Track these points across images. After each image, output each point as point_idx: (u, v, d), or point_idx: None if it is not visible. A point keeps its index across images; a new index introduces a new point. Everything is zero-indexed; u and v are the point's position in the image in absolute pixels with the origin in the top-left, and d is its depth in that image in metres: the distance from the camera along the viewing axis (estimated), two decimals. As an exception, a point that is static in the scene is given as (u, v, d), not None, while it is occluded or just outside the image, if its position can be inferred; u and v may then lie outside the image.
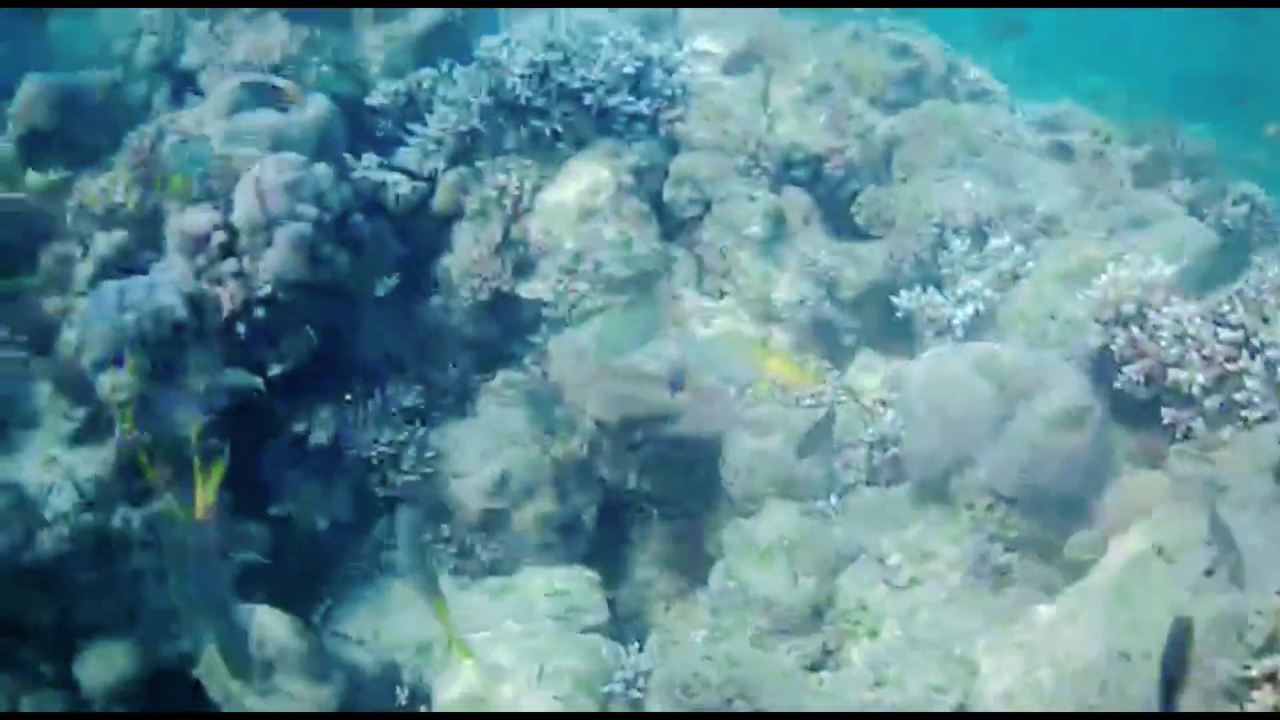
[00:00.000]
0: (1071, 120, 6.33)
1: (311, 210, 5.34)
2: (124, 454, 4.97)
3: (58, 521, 4.81)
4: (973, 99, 6.40)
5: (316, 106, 6.01)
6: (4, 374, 5.23)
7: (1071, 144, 5.93)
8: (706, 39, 6.76)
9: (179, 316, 5.27)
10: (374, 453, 5.50)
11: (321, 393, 5.55)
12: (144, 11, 7.58)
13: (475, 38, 6.69)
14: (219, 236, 5.49)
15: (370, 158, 5.99)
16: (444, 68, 6.36)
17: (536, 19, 6.62)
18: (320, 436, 5.50)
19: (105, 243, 5.79)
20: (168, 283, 5.37)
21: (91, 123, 6.37)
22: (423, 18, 6.57)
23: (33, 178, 6.43)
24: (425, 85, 6.39)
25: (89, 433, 5.08)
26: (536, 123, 5.98)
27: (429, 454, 5.54)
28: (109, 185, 6.07)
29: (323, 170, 5.44)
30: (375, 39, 6.73)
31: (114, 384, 5.01)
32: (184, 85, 7.10)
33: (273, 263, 5.33)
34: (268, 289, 5.33)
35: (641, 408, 5.13)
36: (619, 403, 5.16)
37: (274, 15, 7.12)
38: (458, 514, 5.49)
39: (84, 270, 5.78)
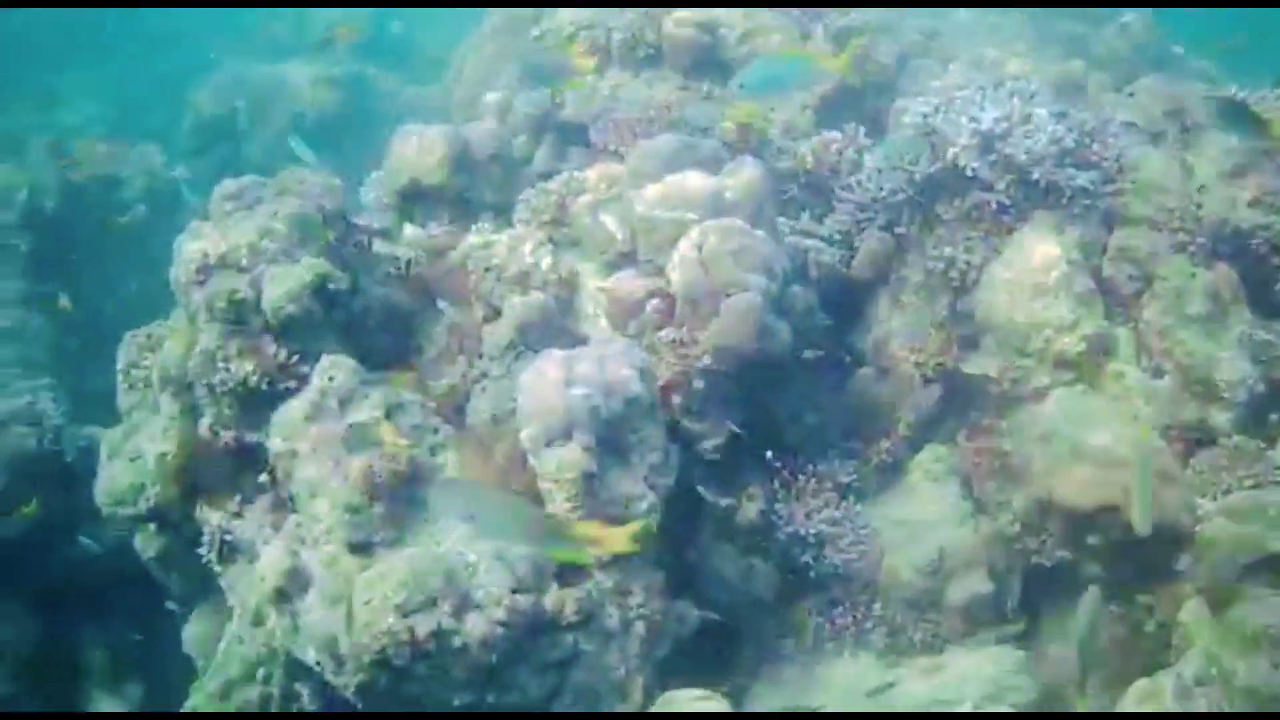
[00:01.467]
0: None
1: (760, 280, 4.94)
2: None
3: (488, 605, 4.35)
4: None
5: (750, 169, 5.51)
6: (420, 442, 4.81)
7: None
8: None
9: (634, 391, 4.82)
10: (809, 530, 5.06)
11: (750, 467, 5.14)
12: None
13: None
14: (654, 304, 5.13)
15: (786, 223, 5.46)
16: (853, 130, 5.82)
17: (950, 76, 6.11)
18: (749, 512, 5.10)
19: (523, 306, 5.41)
20: (618, 354, 4.94)
21: (480, 176, 6.14)
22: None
23: (412, 233, 6.09)
24: (835, 149, 5.93)
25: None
26: (982, 194, 5.44)
27: (864, 530, 5.14)
28: (514, 244, 5.71)
29: (764, 238, 4.97)
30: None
31: (560, 462, 4.54)
32: (568, 139, 6.73)
33: (716, 334, 4.90)
34: (707, 360, 4.90)
35: (1117, 495, 4.63)
36: (1095, 488, 4.70)
37: (665, 69, 6.74)
38: (890, 592, 5.12)
39: (499, 335, 5.39)
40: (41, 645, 7.54)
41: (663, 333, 5.06)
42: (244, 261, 5.29)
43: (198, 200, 9.88)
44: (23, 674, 7.43)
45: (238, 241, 5.30)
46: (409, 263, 5.76)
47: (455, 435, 5.15)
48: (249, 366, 5.13)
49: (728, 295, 4.89)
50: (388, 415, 5.00)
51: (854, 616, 5.09)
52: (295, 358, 5.18)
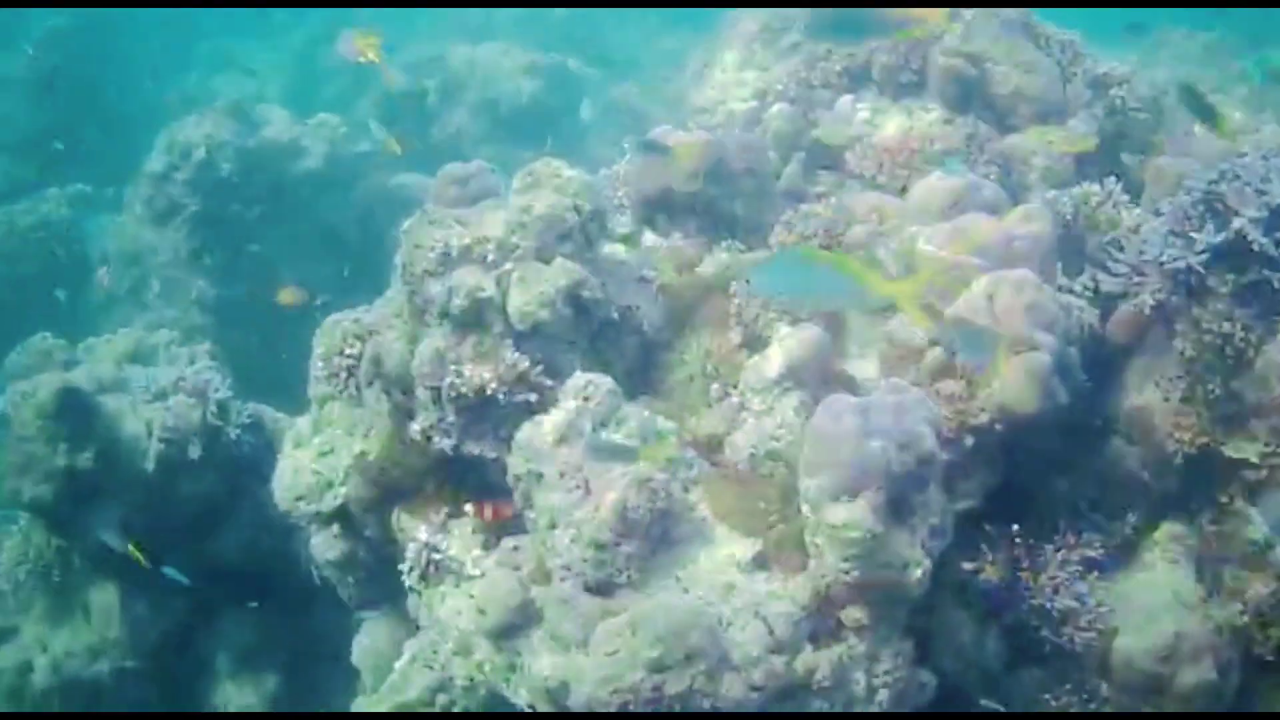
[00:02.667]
0: None
1: (1049, 339, 4.38)
2: (823, 591, 4.06)
3: (745, 666, 3.83)
4: None
5: (1040, 220, 4.83)
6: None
7: None
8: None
9: (927, 449, 4.06)
10: (1055, 604, 4.55)
11: (998, 531, 4.60)
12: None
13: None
14: (936, 353, 4.58)
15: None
16: (1112, 185, 5.46)
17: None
18: (991, 577, 4.49)
19: (799, 342, 4.63)
20: (915, 407, 4.17)
21: (733, 188, 5.52)
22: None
23: (654, 241, 5.35)
24: (1094, 203, 5.40)
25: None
26: (1267, 271, 4.63)
27: (1102, 609, 4.62)
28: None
29: (1052, 294, 4.51)
30: (1030, 144, 5.86)
31: (848, 520, 3.77)
32: (816, 161, 5.97)
33: (1001, 392, 4.33)
34: (984, 418, 4.34)
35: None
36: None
37: (925, 99, 5.95)
38: (1119, 674, 4.57)
39: (767, 368, 4.64)
40: (177, 628, 6.82)
41: (943, 384, 4.47)
42: (490, 257, 4.56)
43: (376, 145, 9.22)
44: (151, 654, 6.73)
45: (485, 234, 4.59)
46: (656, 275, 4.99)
47: (709, 472, 4.37)
48: (486, 373, 4.37)
49: (1016, 353, 4.46)
50: (643, 443, 4.20)
51: (1080, 696, 4.62)
52: (539, 369, 4.41)
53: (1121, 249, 5.26)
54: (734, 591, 4.04)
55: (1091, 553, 4.78)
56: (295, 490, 5.02)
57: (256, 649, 6.95)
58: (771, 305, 4.83)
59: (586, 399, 4.31)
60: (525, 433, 4.31)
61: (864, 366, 4.93)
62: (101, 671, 6.47)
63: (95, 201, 10.15)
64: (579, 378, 4.38)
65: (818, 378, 4.68)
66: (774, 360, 4.65)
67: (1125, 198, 5.59)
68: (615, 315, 4.84)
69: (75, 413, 6.11)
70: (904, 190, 5.71)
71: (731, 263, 5.34)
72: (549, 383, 4.52)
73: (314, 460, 5.00)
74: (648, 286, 5.18)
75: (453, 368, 4.52)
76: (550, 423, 4.28)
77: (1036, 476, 4.95)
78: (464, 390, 4.49)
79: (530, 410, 4.50)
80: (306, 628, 7.13)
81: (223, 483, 6.65)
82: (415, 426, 4.80)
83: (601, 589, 4.13)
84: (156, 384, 6.58)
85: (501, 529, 4.36)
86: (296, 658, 7.12)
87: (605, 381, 4.35)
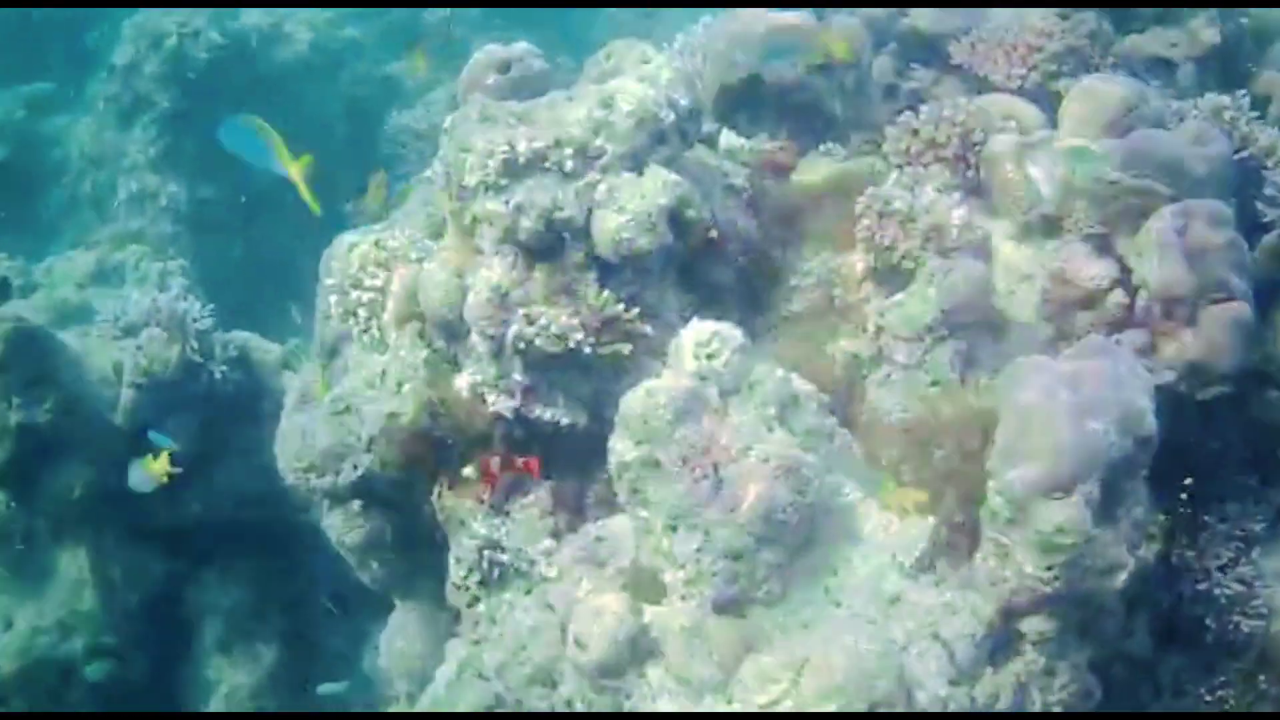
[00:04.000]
0: None
1: (1242, 284, 3.58)
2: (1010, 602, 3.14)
3: (932, 705, 3.03)
4: None
5: (1217, 140, 3.90)
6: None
7: None
8: None
9: (1149, 429, 2.98)
10: (1222, 590, 3.77)
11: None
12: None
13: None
14: (1117, 297, 3.55)
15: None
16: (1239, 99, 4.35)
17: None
18: (1147, 555, 3.48)
19: (963, 280, 3.49)
20: (1133, 373, 3.04)
21: (835, 83, 4.48)
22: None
23: (735, 142, 4.34)
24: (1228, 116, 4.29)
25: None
26: None
27: (1267, 590, 3.86)
28: (909, 183, 3.76)
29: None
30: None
31: (1064, 524, 2.65)
32: (910, 54, 4.73)
33: (1194, 347, 3.51)
34: (1169, 376, 3.54)
35: None
36: None
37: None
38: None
39: (915, 310, 3.51)
40: (158, 594, 5.64)
41: (1126, 335, 3.59)
42: (570, 165, 3.29)
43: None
44: (132, 623, 5.55)
45: (560, 136, 3.31)
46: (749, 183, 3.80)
47: (854, 448, 3.21)
48: (566, 317, 3.16)
49: (1212, 301, 3.54)
50: (780, 416, 3.01)
51: (1241, 689, 3.90)
52: (635, 311, 3.20)
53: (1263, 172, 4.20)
54: (900, 605, 3.18)
55: (1255, 526, 3.97)
56: (304, 458, 3.99)
57: (248, 614, 5.77)
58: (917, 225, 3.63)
59: (710, 357, 3.09)
60: (634, 405, 3.11)
61: (1015, 306, 3.75)
62: (74, 649, 5.27)
63: (55, 101, 8.57)
64: (699, 327, 3.18)
65: (978, 323, 3.51)
66: (925, 302, 3.46)
67: (1255, 113, 4.56)
68: (714, 235, 3.61)
69: (30, 357, 4.83)
70: (1020, 88, 4.48)
71: (845, 170, 4.12)
72: (648, 330, 3.30)
73: (328, 421, 3.92)
74: (738, 197, 3.95)
75: (520, 310, 3.28)
76: (666, 391, 3.07)
77: (1188, 434, 3.94)
78: (536, 339, 3.27)
79: (622, 366, 3.28)
80: (303, 578, 5.98)
81: (206, 430, 5.40)
82: (463, 381, 3.58)
83: (732, 606, 2.97)
84: (125, 315, 5.28)
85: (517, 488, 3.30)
86: (294, 620, 5.96)
87: (733, 335, 3.17)
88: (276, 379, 5.64)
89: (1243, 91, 4.72)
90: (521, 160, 3.40)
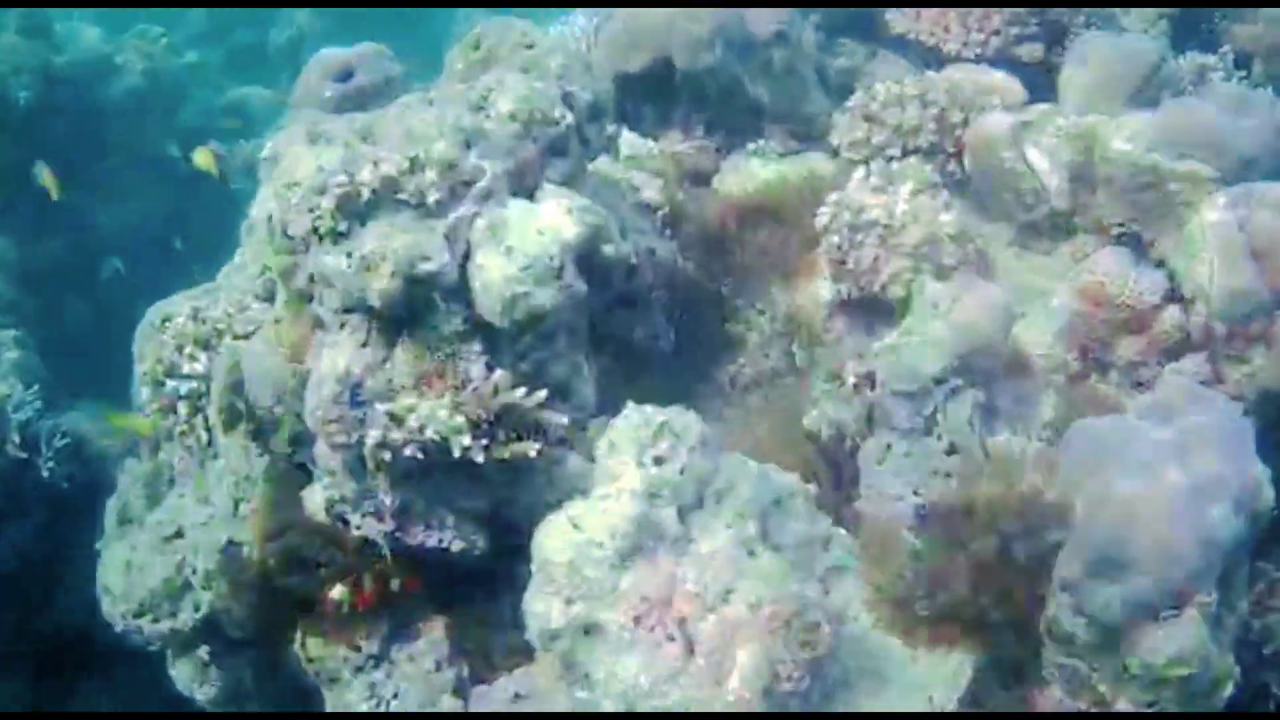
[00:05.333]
0: None
1: None
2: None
3: None
4: None
5: (1260, 106, 2.98)
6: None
7: None
8: None
9: (1268, 500, 2.16)
10: None
11: None
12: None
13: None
14: (1172, 317, 2.73)
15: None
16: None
17: None
18: None
19: (981, 310, 2.51)
20: (1244, 431, 2.23)
21: (757, 63, 3.50)
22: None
23: (639, 144, 3.27)
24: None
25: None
26: None
27: None
28: (880, 185, 2.74)
29: None
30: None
31: (1180, 653, 1.76)
32: (842, 26, 3.78)
33: (1269, 370, 2.62)
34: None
35: None
36: None
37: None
38: None
39: (917, 359, 2.52)
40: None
41: (1184, 363, 2.68)
42: (433, 195, 2.17)
43: None
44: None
45: (418, 154, 2.20)
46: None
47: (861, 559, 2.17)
48: (449, 412, 2.07)
49: None
50: (763, 531, 1.95)
51: None
52: (541, 393, 2.11)
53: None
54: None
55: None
56: (132, 599, 3.07)
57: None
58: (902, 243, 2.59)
59: (659, 461, 2.00)
60: (557, 546, 2.02)
61: (1027, 334, 2.74)
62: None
63: None
64: (640, 420, 2.07)
65: (998, 365, 2.48)
66: (932, 347, 2.41)
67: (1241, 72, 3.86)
68: (641, 279, 2.54)
69: None
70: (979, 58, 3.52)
71: (784, 174, 3.09)
72: (561, 419, 2.20)
73: (152, 550, 3.06)
74: (651, 217, 2.89)
75: (380, 407, 2.16)
76: (601, 522, 1.97)
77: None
78: (405, 448, 2.15)
79: (528, 468, 2.19)
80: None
81: (43, 535, 4.21)
82: (316, 498, 2.45)
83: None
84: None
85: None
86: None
87: (688, 425, 2.08)
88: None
89: (1225, 48, 3.85)
90: (365, 193, 2.27)
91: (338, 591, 2.59)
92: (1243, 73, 3.91)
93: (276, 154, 2.53)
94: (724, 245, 3.01)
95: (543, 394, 2.23)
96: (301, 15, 7.90)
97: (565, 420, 2.24)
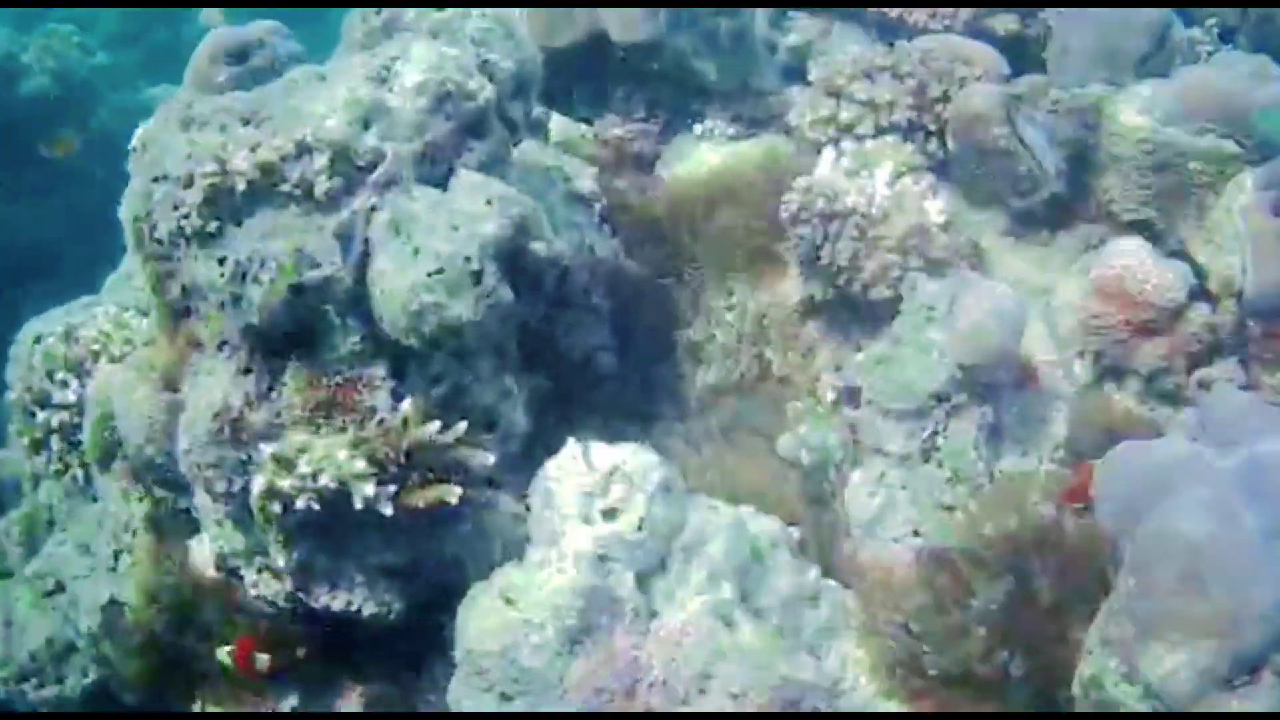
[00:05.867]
0: None
1: None
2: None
3: None
4: None
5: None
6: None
7: None
8: None
9: None
10: None
11: None
12: None
13: None
14: (1200, 316, 2.29)
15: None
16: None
17: None
18: None
19: (992, 318, 2.12)
20: None
21: (698, 32, 3.04)
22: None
23: (568, 128, 2.91)
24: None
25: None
26: None
27: None
28: (856, 168, 2.32)
29: None
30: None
31: None
32: None
33: None
34: None
35: None
36: None
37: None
38: None
39: (911, 377, 2.12)
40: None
41: (1207, 371, 2.29)
42: (323, 184, 1.71)
43: None
44: None
45: (305, 135, 1.73)
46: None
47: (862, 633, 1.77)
48: (347, 453, 1.60)
49: None
50: (741, 593, 1.52)
51: None
52: (460, 425, 1.67)
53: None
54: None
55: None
56: (12, 664, 2.65)
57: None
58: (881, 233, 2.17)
59: (611, 514, 1.56)
60: (487, 629, 1.60)
61: (1029, 337, 2.33)
62: None
63: None
64: (580, 459, 1.63)
65: (1008, 377, 2.07)
66: (932, 349, 1.99)
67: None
68: (574, 279, 2.10)
69: None
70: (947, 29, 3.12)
71: (741, 156, 2.67)
72: (488, 457, 1.76)
73: (32, 607, 2.63)
74: (588, 210, 2.46)
75: (265, 449, 1.71)
76: (539, 598, 1.52)
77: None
78: (297, 500, 1.70)
79: (451, 515, 1.76)
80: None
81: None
82: (204, 551, 1.99)
83: None
84: None
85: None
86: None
87: (646, 468, 1.63)
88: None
89: (1212, 20, 3.48)
90: (240, 185, 1.82)
91: (224, 654, 2.15)
92: (1229, 46, 3.57)
93: (145, 141, 2.07)
94: (674, 240, 2.58)
95: (462, 426, 1.79)
96: (215, 13, 7.41)
97: (491, 457, 1.80)
